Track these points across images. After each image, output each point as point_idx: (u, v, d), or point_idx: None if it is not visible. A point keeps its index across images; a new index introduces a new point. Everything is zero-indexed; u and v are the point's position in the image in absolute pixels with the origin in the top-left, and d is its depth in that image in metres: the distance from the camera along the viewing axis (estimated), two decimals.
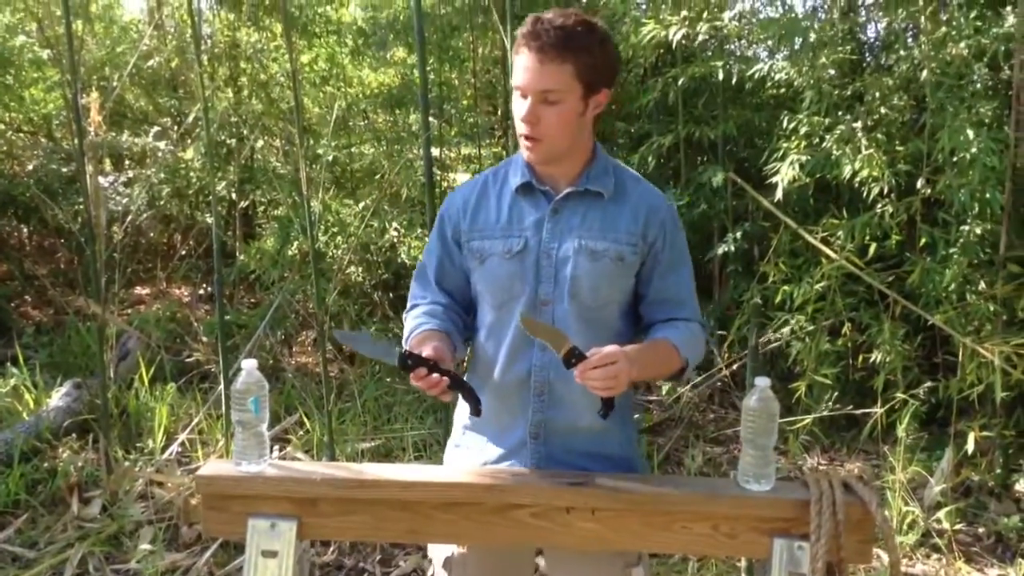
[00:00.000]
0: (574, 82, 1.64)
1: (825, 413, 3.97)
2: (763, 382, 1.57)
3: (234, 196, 6.40)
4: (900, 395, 3.68)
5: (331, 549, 3.38)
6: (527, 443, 1.79)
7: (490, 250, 1.77)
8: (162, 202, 6.74)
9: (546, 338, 1.61)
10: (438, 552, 1.90)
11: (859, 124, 3.72)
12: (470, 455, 1.89)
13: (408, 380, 1.66)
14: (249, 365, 1.62)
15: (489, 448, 1.85)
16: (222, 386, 3.88)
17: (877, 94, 3.83)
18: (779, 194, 3.78)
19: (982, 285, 3.53)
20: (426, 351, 1.62)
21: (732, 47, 4.97)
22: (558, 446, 1.79)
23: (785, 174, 3.77)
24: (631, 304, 1.83)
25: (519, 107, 1.67)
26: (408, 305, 1.89)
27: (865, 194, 3.63)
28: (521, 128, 1.68)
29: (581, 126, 1.71)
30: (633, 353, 1.61)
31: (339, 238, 5.63)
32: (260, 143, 6.71)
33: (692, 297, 1.84)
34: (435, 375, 1.60)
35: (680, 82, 4.41)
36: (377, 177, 5.97)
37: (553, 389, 1.76)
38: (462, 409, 1.92)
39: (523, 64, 1.64)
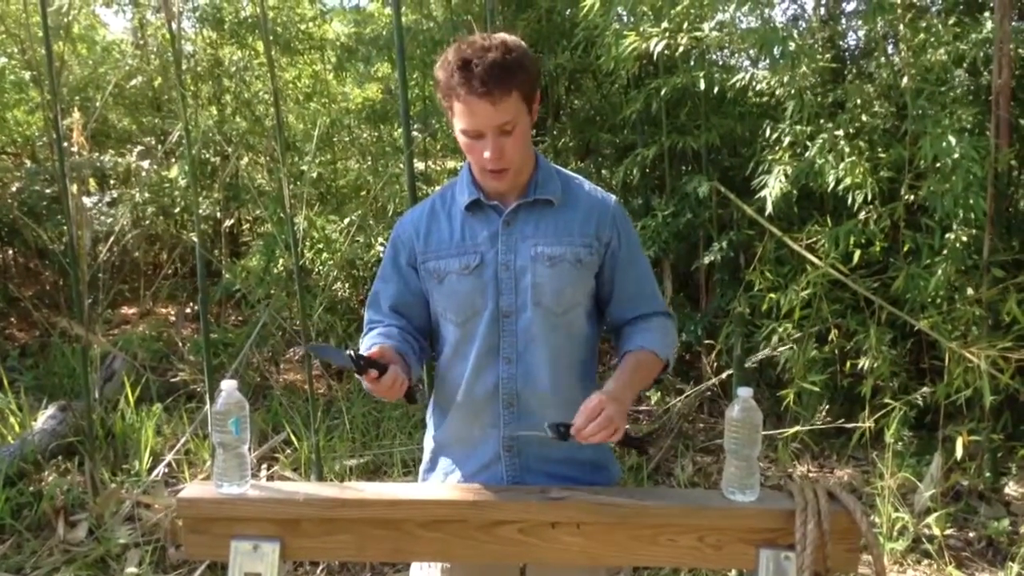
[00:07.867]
0: (522, 104, 1.64)
1: (814, 426, 3.98)
2: (745, 392, 1.57)
3: (219, 214, 6.39)
4: (888, 400, 3.69)
5: (320, 568, 3.35)
6: (501, 456, 1.78)
7: (446, 268, 1.77)
8: (147, 221, 6.74)
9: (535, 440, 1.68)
10: None
11: (841, 132, 3.73)
12: (444, 476, 1.87)
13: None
14: (228, 386, 1.60)
15: (461, 465, 1.84)
16: (208, 406, 3.85)
17: (859, 101, 3.85)
18: (768, 207, 3.79)
19: (968, 290, 3.54)
20: (371, 352, 1.62)
21: (714, 56, 4.99)
22: (533, 456, 1.79)
23: (773, 187, 3.78)
24: (594, 306, 1.84)
25: (477, 146, 1.65)
26: (364, 329, 1.87)
27: (849, 201, 3.64)
28: (484, 164, 1.67)
29: (530, 137, 1.74)
30: (617, 390, 1.63)
31: (325, 254, 5.63)
32: (244, 161, 6.71)
33: (654, 288, 1.87)
34: (390, 373, 1.58)
35: (663, 93, 4.43)
36: (363, 193, 5.97)
37: (521, 399, 1.76)
38: (430, 432, 1.92)
39: (471, 110, 1.61)
